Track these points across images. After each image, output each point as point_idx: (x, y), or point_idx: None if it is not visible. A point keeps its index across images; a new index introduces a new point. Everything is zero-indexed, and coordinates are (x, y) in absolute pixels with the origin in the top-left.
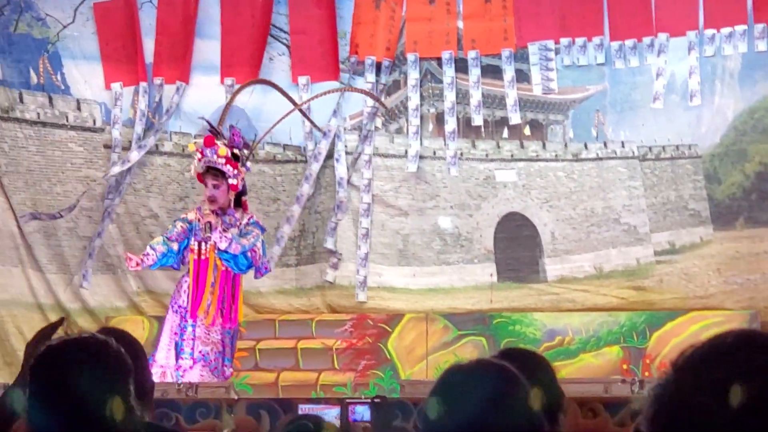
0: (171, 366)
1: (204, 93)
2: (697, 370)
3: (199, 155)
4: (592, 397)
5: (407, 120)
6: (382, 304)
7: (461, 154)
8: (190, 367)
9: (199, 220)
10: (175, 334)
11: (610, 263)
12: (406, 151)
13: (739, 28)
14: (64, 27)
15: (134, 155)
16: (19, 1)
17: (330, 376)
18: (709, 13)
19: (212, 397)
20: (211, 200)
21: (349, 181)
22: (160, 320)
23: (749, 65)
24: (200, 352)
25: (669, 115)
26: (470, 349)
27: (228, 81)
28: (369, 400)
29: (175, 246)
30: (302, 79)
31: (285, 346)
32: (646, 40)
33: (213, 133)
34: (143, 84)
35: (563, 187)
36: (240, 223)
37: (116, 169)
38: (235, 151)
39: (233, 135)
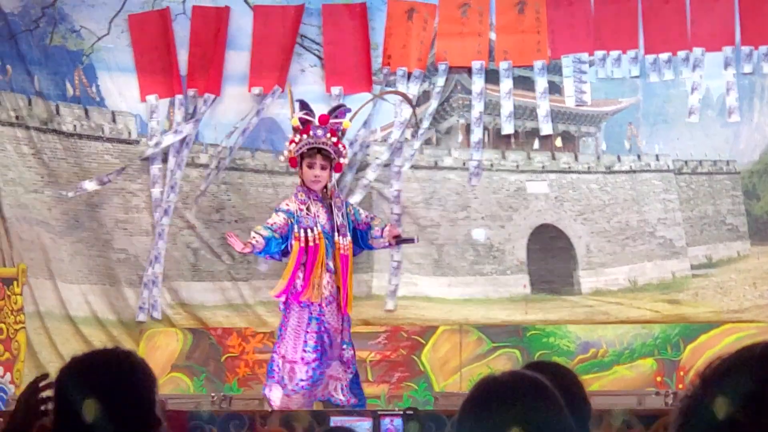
0: (299, 361)
1: (234, 103)
2: (724, 382)
3: (300, 136)
4: (625, 410)
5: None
6: (418, 314)
7: (491, 165)
8: (314, 360)
9: (299, 209)
10: (306, 330)
11: (645, 276)
12: (436, 162)
13: None
14: (99, 39)
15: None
16: (54, 13)
17: (364, 388)
18: (745, 30)
19: (246, 409)
20: (317, 181)
21: (379, 193)
22: (194, 333)
23: None
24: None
25: (705, 130)
26: (504, 362)
27: (255, 90)
28: (401, 412)
29: (277, 235)
30: (335, 90)
31: None
32: (681, 53)
33: (309, 108)
34: (179, 96)
35: (596, 199)
36: (339, 208)
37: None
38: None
39: (340, 114)
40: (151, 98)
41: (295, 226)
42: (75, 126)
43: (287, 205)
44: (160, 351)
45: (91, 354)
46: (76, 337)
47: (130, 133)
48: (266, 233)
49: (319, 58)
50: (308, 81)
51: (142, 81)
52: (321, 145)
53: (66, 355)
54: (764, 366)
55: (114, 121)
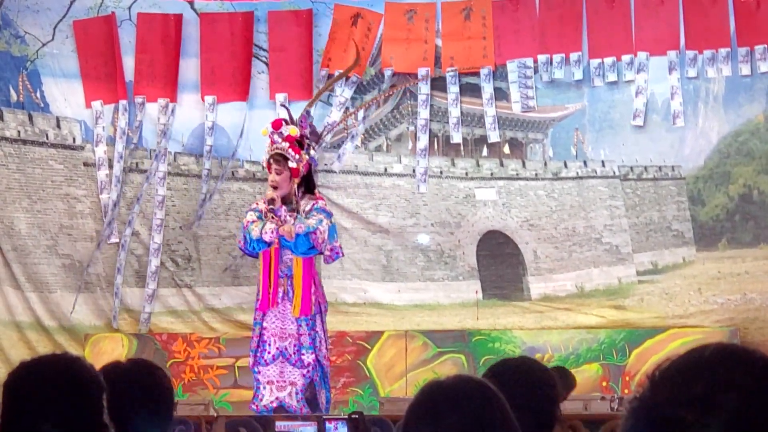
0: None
1: (184, 111)
2: (674, 384)
3: (270, 142)
4: (571, 415)
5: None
6: (369, 320)
7: (441, 172)
8: (266, 363)
9: (264, 210)
10: (252, 336)
11: (591, 282)
12: (386, 169)
13: (723, 51)
14: (44, 45)
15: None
16: None
17: None
18: (690, 34)
19: (191, 414)
20: (273, 186)
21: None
22: (139, 338)
23: (733, 88)
24: (277, 348)
25: (651, 136)
26: (449, 367)
27: (209, 99)
28: (346, 417)
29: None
30: (279, 97)
31: None
32: (626, 58)
33: (283, 120)
34: (123, 102)
35: (544, 206)
36: (304, 211)
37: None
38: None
39: (301, 121)
40: (96, 104)
41: None
42: (19, 132)
43: (257, 203)
44: (105, 356)
45: (40, 359)
46: (21, 343)
47: (74, 138)
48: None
49: (266, 64)
50: (256, 87)
51: (87, 87)
52: (274, 151)
53: (13, 361)
54: (713, 367)
55: (58, 126)
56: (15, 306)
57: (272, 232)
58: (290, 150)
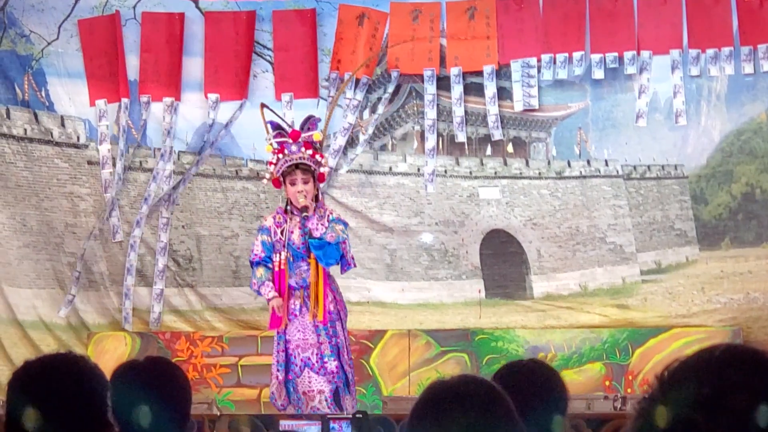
0: (276, 381)
1: (188, 109)
2: (683, 385)
3: (276, 156)
4: (574, 414)
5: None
6: (372, 319)
7: (445, 171)
8: (297, 375)
9: (274, 230)
10: (277, 350)
11: (595, 282)
12: (390, 168)
13: (725, 49)
14: (48, 44)
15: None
16: (3, 17)
17: None
18: (692, 33)
19: (194, 413)
20: (306, 195)
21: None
22: (142, 336)
23: (736, 87)
24: (302, 359)
25: (654, 135)
26: (452, 366)
27: (212, 97)
28: (350, 416)
29: (270, 267)
30: (285, 96)
31: (268, 363)
32: (628, 56)
33: (281, 128)
34: (125, 100)
35: (547, 205)
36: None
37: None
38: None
39: (312, 125)
40: (101, 103)
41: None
42: (25, 130)
43: (265, 220)
44: (108, 355)
45: (44, 358)
46: (23, 341)
47: (78, 137)
48: (268, 277)
49: (271, 63)
50: (260, 86)
51: (91, 86)
52: (298, 161)
53: (15, 359)
54: (722, 368)
55: (63, 125)
56: (16, 305)
57: (266, 295)
58: (317, 156)
